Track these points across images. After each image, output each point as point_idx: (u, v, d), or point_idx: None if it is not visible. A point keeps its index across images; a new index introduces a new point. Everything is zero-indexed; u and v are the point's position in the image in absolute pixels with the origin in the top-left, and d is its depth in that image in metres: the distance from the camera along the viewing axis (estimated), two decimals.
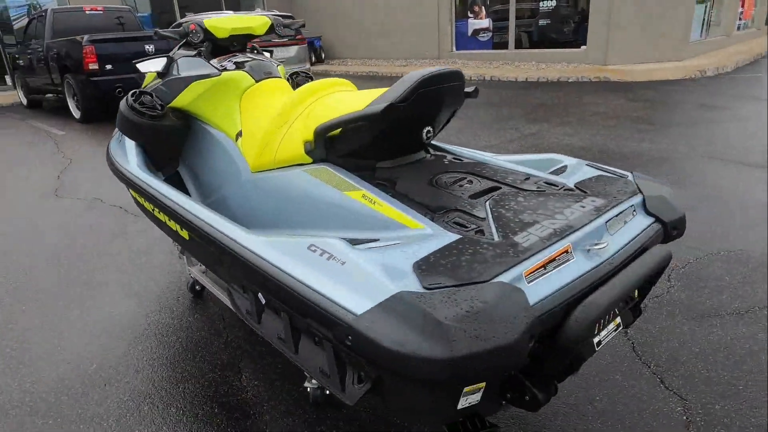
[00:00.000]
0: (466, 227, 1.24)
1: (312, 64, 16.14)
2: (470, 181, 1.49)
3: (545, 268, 1.11)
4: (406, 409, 1.11)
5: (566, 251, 1.16)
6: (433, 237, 1.18)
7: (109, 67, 7.30)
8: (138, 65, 2.39)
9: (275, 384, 1.98)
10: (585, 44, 11.12)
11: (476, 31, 13.66)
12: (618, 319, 1.27)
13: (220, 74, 2.10)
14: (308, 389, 1.87)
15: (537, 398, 1.15)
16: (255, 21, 2.26)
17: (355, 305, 1.01)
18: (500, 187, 1.46)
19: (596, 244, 1.21)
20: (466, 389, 1.09)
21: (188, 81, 2.15)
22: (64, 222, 3.85)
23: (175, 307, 2.57)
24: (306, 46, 10.47)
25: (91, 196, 4.43)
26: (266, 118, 1.92)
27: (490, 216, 1.27)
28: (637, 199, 1.42)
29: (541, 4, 11.82)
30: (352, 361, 1.14)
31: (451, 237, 1.18)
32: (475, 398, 1.12)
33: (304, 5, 17.77)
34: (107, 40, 7.32)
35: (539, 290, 1.07)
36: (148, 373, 2.09)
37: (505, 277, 1.04)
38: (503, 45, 13.11)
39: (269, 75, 2.17)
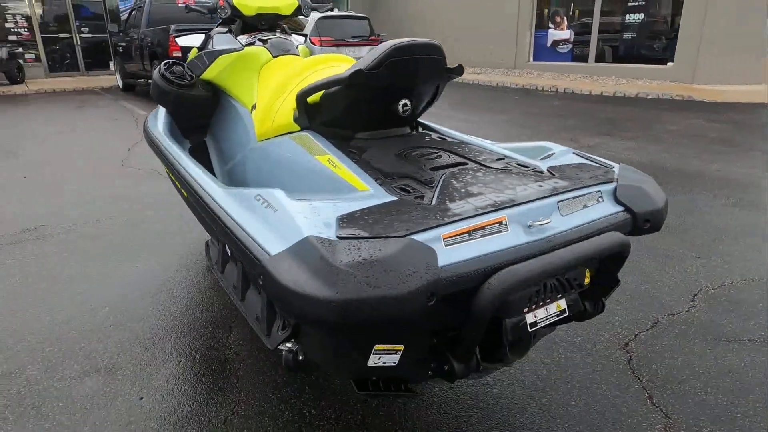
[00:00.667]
0: (409, 192, 1.24)
1: None
2: (440, 156, 1.48)
3: (470, 235, 1.09)
4: (321, 359, 1.13)
5: (499, 222, 1.13)
6: (372, 197, 1.19)
7: None
8: (177, 39, 2.58)
9: (257, 346, 2.05)
10: (672, 61, 10.45)
11: (556, 42, 13.26)
12: (562, 304, 1.21)
13: (242, 49, 2.22)
14: (282, 352, 1.93)
15: (453, 369, 1.13)
16: (282, 1, 2.37)
17: (271, 247, 1.04)
18: (467, 164, 1.43)
19: (539, 222, 1.16)
20: (377, 347, 1.09)
21: (216, 55, 2.29)
22: (121, 188, 4.20)
23: (192, 268, 2.73)
24: None
25: (151, 168, 4.79)
26: (272, 90, 2.01)
27: (438, 185, 1.26)
28: (607, 187, 1.34)
29: (627, 17, 11.26)
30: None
31: (387, 198, 1.18)
32: (391, 359, 1.12)
33: (387, 8, 18.10)
34: (193, 30, 7.88)
35: (456, 254, 1.05)
36: (150, 321, 2.24)
37: (421, 237, 1.03)
38: (583, 58, 12.62)
39: (287, 52, 2.26)
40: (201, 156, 2.49)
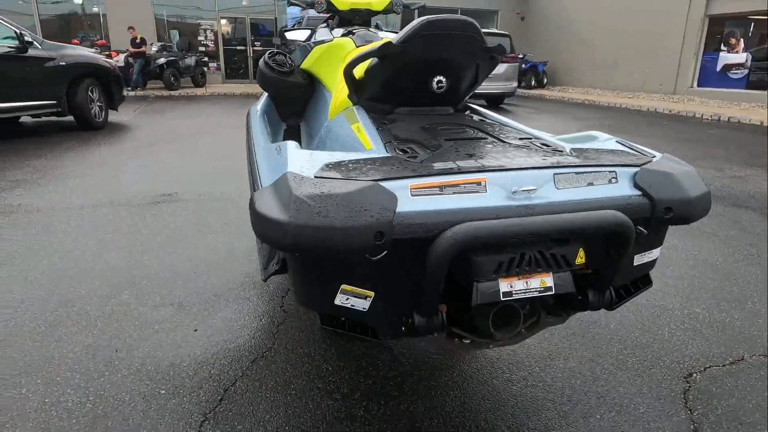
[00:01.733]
0: (406, 152, 1.28)
1: (530, 87, 15.97)
2: (464, 131, 1.49)
3: (441, 190, 1.10)
4: (295, 289, 1.21)
5: (477, 183, 1.12)
6: (369, 153, 1.26)
7: None
8: (286, 33, 2.90)
9: (305, 312, 2.21)
10: None
11: (728, 67, 11.77)
12: (548, 281, 1.14)
13: (332, 40, 2.44)
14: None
15: (414, 323, 1.14)
16: None
17: (265, 183, 1.17)
18: (486, 138, 1.43)
19: (525, 188, 1.13)
20: (344, 287, 1.15)
21: (313, 46, 2.55)
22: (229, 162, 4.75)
23: None
24: (516, 65, 10.47)
25: None
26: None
27: (440, 149, 1.29)
28: (627, 169, 1.24)
29: None
30: None
31: (380, 154, 1.24)
32: (359, 303, 1.17)
33: (536, 30, 17.70)
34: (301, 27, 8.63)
35: (420, 205, 1.07)
36: (229, 275, 2.53)
37: (388, 184, 1.07)
38: (761, 85, 11.01)
39: (370, 43, 2.42)
40: (294, 138, 2.76)
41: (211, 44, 15.85)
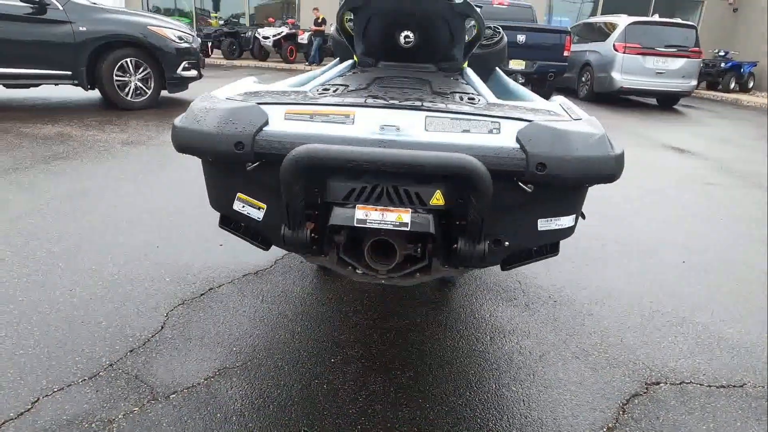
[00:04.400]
0: (327, 89, 1.43)
1: (728, 90, 13.67)
2: (413, 87, 1.56)
3: (311, 118, 1.23)
4: (208, 195, 1.44)
5: (346, 115, 1.22)
6: (302, 87, 1.45)
7: None
8: None
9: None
10: None
11: None
12: (405, 217, 1.19)
13: None
14: None
15: (283, 235, 1.30)
16: None
17: None
18: (422, 89, 1.48)
19: (389, 125, 1.20)
20: (240, 195, 1.36)
21: None
22: None
23: None
24: (697, 62, 9.08)
25: None
26: None
27: (361, 89, 1.41)
28: (513, 122, 1.21)
29: None
30: None
31: (303, 89, 1.42)
32: (254, 213, 1.37)
33: (751, 24, 14.99)
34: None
35: (289, 127, 1.21)
36: None
37: (268, 107, 1.24)
38: None
39: None
40: None
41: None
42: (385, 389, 1.53)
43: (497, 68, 2.98)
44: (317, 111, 1.25)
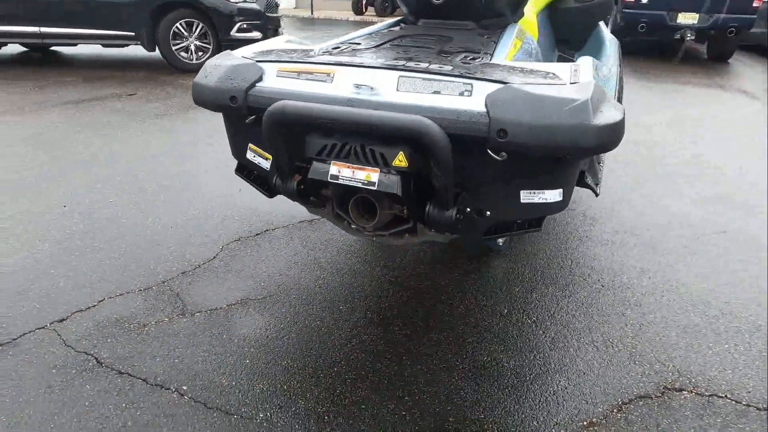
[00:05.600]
0: (338, 48, 1.47)
1: None
2: (430, 41, 1.52)
3: (298, 75, 1.29)
4: (229, 145, 1.59)
5: (327, 74, 1.25)
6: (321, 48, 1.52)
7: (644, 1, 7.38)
8: None
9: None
10: None
11: None
12: (373, 177, 1.20)
13: None
14: None
15: (274, 183, 1.40)
16: None
17: None
18: (432, 48, 1.45)
19: (364, 84, 1.21)
20: (251, 146, 1.50)
21: None
22: None
23: None
24: None
25: None
26: None
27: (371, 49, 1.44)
28: (487, 85, 1.13)
29: None
30: None
31: (318, 48, 1.48)
32: (263, 163, 1.50)
33: None
34: None
35: (279, 84, 1.29)
36: None
37: (266, 65, 1.33)
38: None
39: None
40: None
41: None
42: (375, 341, 1.60)
43: (601, 24, 2.66)
44: (303, 69, 1.31)
